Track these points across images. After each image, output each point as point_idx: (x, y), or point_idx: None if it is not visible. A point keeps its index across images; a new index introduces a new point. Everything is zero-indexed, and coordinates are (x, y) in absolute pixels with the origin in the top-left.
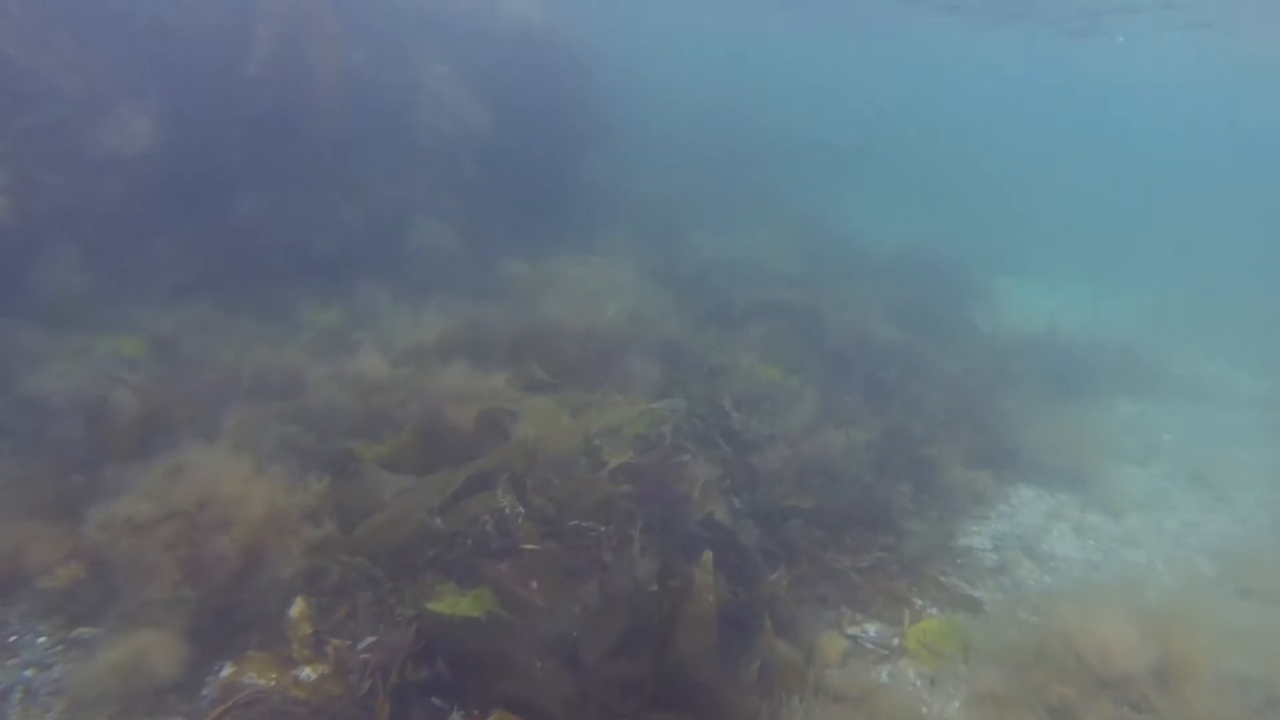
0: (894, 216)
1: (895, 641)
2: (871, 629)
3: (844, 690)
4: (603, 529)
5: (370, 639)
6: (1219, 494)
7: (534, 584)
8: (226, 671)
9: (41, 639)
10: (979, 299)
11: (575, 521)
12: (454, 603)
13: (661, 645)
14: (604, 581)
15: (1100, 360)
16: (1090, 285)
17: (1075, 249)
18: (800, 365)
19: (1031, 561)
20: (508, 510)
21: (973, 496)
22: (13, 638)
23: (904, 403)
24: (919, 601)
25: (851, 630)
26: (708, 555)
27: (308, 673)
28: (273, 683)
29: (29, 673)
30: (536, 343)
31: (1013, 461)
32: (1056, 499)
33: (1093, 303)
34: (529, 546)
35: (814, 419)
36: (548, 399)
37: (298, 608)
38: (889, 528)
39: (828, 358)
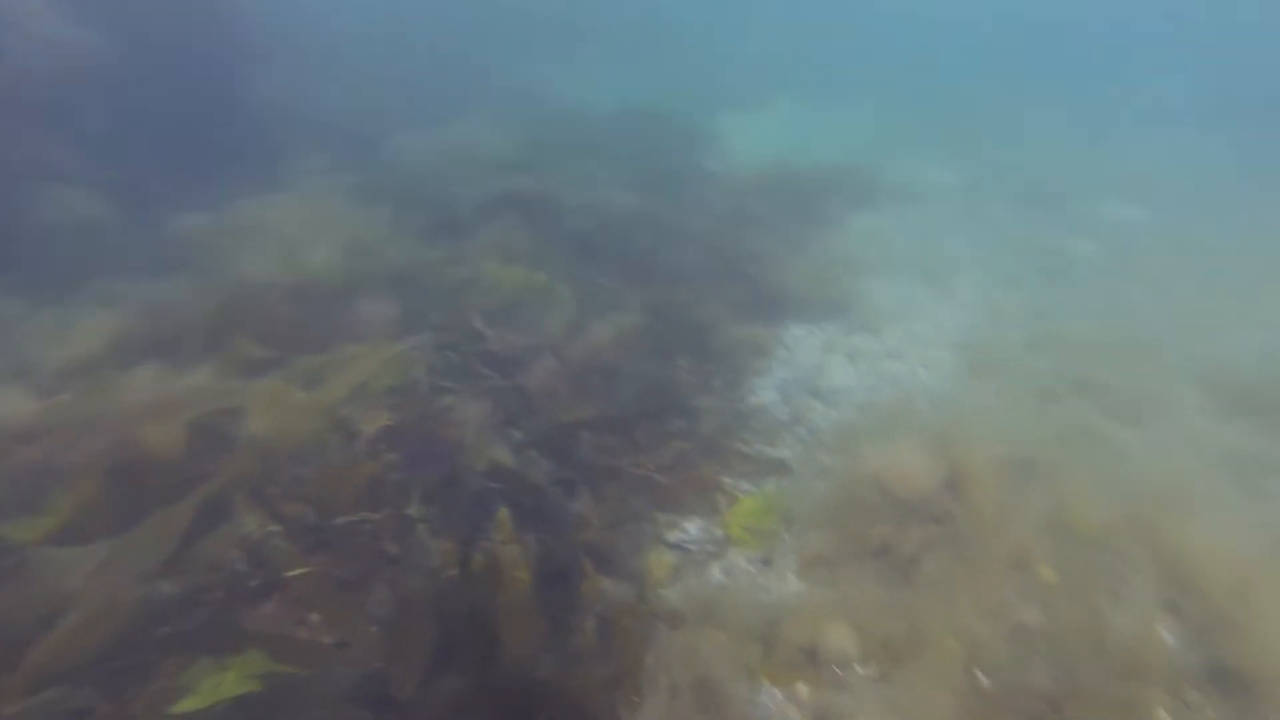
0: (609, 80)
1: (719, 533)
2: (692, 528)
3: (684, 610)
4: (376, 516)
5: None
6: (946, 288)
7: (313, 617)
8: None
9: None
10: (707, 144)
11: (343, 519)
12: (214, 686)
13: (486, 646)
14: (394, 583)
15: (830, 183)
16: (805, 110)
17: (786, 76)
18: (545, 258)
19: (819, 401)
20: (257, 535)
21: (751, 350)
22: None
23: (661, 273)
24: (729, 481)
25: (673, 537)
26: (503, 513)
27: None
28: None
29: None
30: (241, 313)
31: (780, 305)
32: (825, 331)
33: (809, 127)
34: (295, 572)
35: (575, 315)
36: (272, 379)
37: None
38: (679, 411)
39: (572, 243)
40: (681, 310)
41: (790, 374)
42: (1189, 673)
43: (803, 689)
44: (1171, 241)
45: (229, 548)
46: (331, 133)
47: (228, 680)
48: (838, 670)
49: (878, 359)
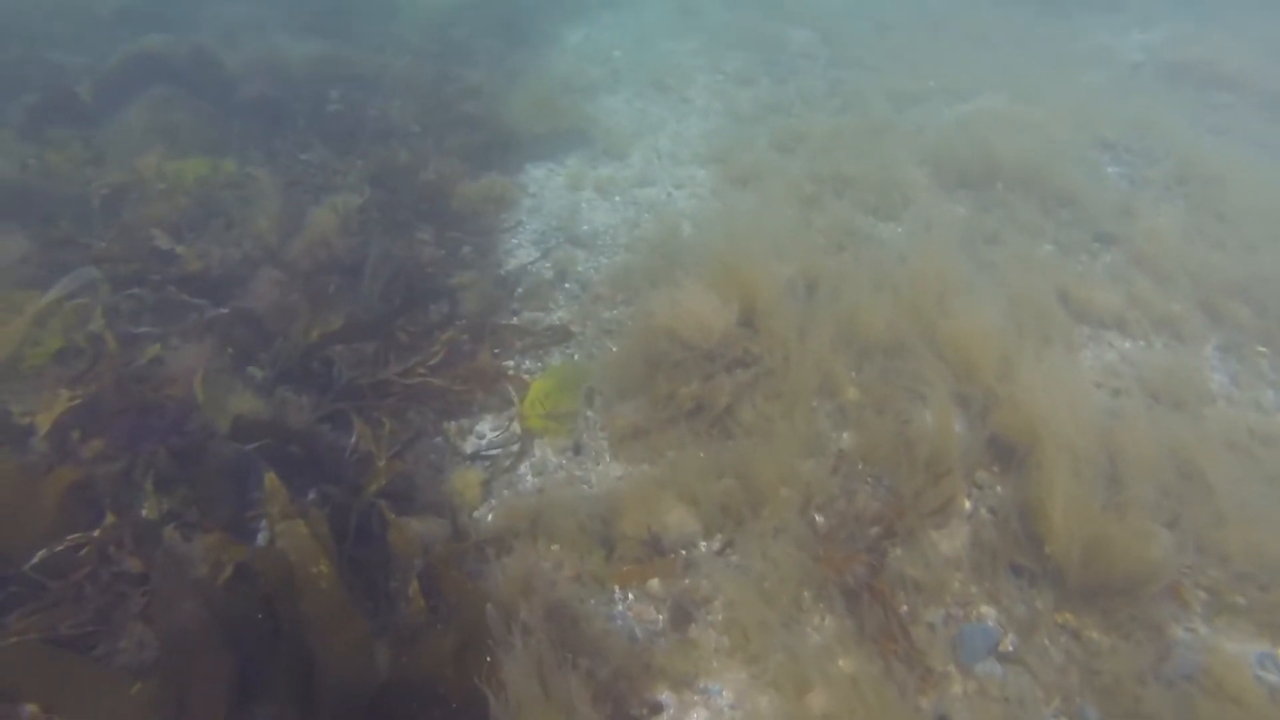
0: None
1: (518, 428)
2: (488, 430)
3: (508, 531)
4: (95, 533)
5: None
6: (681, 97)
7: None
8: None
9: None
10: None
11: (40, 554)
12: None
13: (301, 665)
14: (151, 613)
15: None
16: None
17: None
18: (226, 140)
19: (581, 250)
20: None
21: (495, 205)
22: None
23: (371, 133)
24: (511, 364)
25: (470, 446)
26: (270, 479)
27: None
28: None
29: None
30: None
31: (513, 146)
32: (567, 167)
33: None
34: None
35: (283, 207)
36: None
37: None
38: (434, 294)
39: (255, 114)
40: (406, 174)
41: (543, 223)
42: (977, 456)
43: (655, 584)
44: (869, 21)
45: None
46: None
47: None
48: (684, 553)
49: (629, 187)
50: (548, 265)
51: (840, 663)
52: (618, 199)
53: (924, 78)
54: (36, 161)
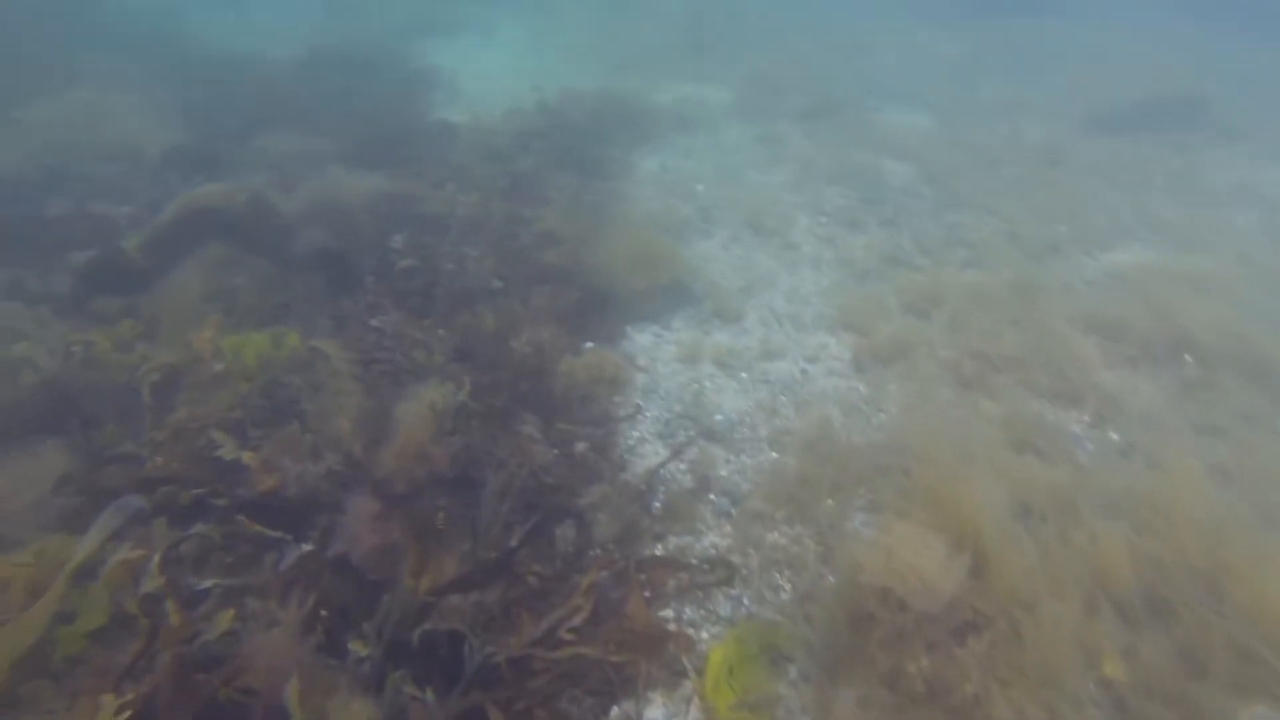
0: (263, 15)
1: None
2: (659, 717)
3: None
4: None
5: None
6: (783, 241)
7: None
8: None
9: None
10: (430, 86)
11: None
12: None
13: None
14: None
15: (597, 119)
16: (523, 26)
17: None
18: (286, 303)
19: (717, 445)
20: None
21: (605, 385)
22: None
23: (450, 291)
24: (670, 614)
25: None
26: None
27: None
28: None
29: None
30: None
31: (610, 304)
32: (676, 332)
33: (538, 49)
34: None
35: (364, 402)
36: None
37: None
38: (559, 512)
39: (315, 267)
40: (495, 343)
41: (664, 408)
42: None
43: None
44: (968, 152)
45: None
46: None
47: None
48: None
49: (755, 360)
50: (683, 468)
51: None
52: (744, 376)
53: (1051, 221)
54: (80, 349)
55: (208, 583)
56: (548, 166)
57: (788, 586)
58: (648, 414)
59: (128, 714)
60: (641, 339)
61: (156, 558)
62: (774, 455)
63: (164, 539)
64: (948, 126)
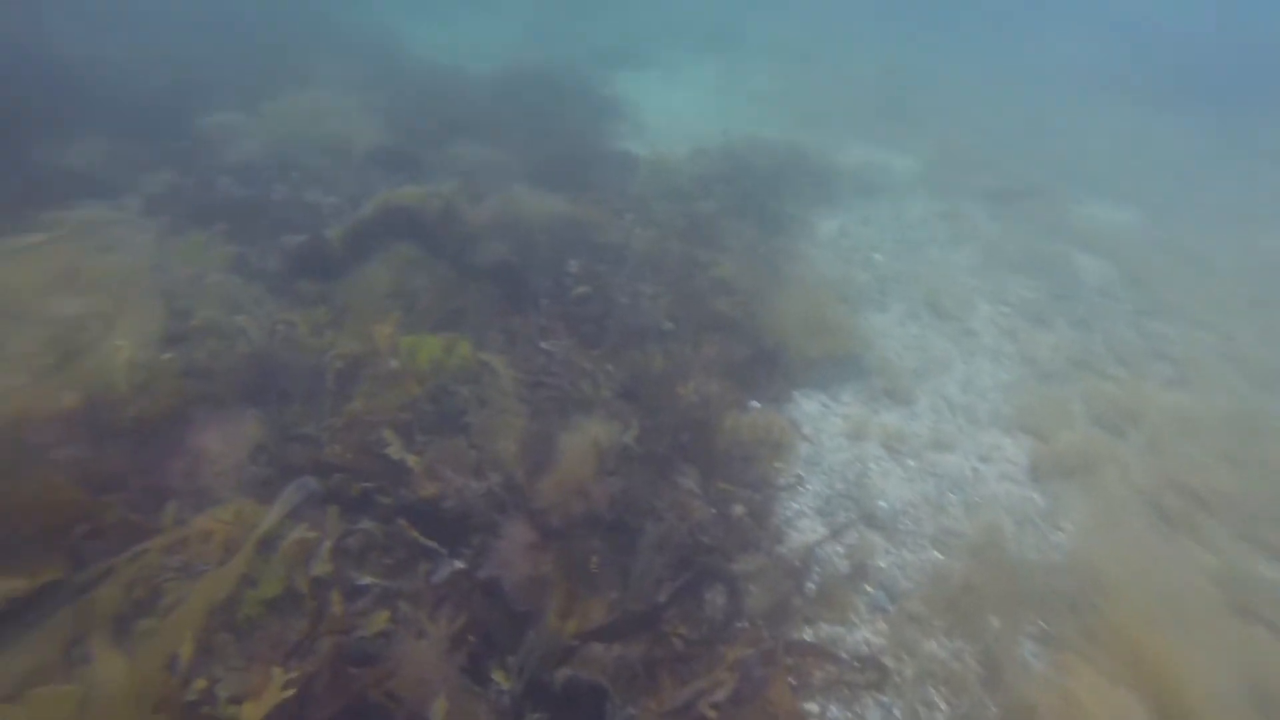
0: (471, 32)
1: None
2: None
3: None
4: None
5: None
6: (961, 325)
7: None
8: None
9: None
10: (616, 115)
11: None
12: None
13: None
14: None
15: (777, 171)
16: (714, 68)
17: (684, 25)
18: (461, 311)
19: (878, 533)
20: None
21: (766, 447)
22: None
23: (618, 323)
24: (814, 709)
25: None
26: None
27: None
28: None
29: None
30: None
31: (777, 365)
32: (844, 404)
33: (726, 91)
34: None
35: (529, 426)
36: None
37: None
38: (710, 576)
39: (489, 281)
40: (662, 387)
41: (825, 484)
42: None
43: None
44: (1181, 257)
45: None
46: (120, 109)
47: None
48: None
49: (923, 449)
50: (840, 551)
51: None
52: (912, 464)
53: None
54: (284, 328)
55: (367, 579)
56: (726, 213)
57: (944, 706)
58: (808, 487)
59: (292, 691)
60: (808, 406)
61: (328, 544)
62: (937, 556)
63: (335, 527)
64: (1159, 225)
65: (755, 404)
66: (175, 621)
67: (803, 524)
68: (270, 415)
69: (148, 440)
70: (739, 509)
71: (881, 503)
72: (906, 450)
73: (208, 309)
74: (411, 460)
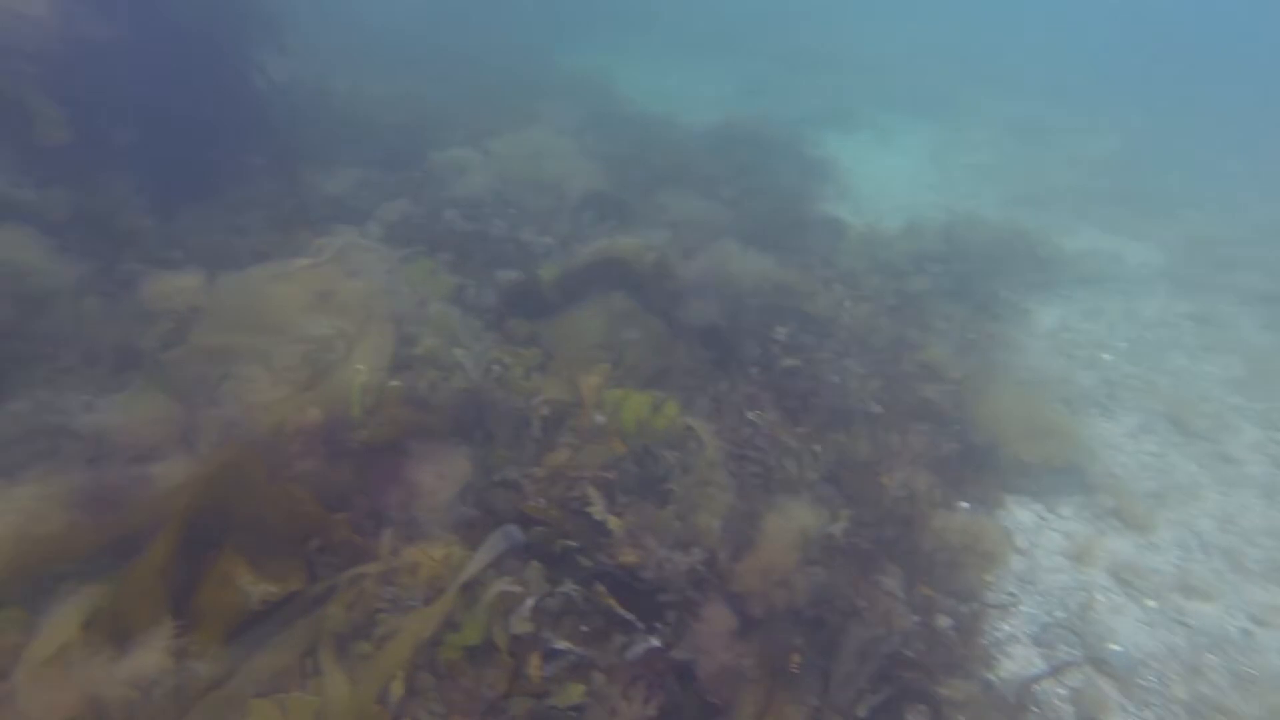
0: (683, 80)
1: None
2: None
3: None
4: None
5: None
6: (1216, 448)
7: None
8: None
9: None
10: (824, 178)
11: None
12: None
13: None
14: None
15: (992, 251)
16: (925, 134)
17: (901, 86)
18: (666, 367)
19: (1111, 684)
20: None
21: (975, 555)
22: None
23: (823, 400)
24: None
25: None
26: None
27: None
28: None
29: None
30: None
31: (987, 464)
32: (1063, 519)
33: (940, 160)
34: None
35: (734, 503)
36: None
37: None
38: (914, 697)
39: (696, 339)
40: (867, 476)
41: (1042, 609)
42: None
43: None
44: None
45: None
46: (361, 139)
47: None
48: None
49: (1167, 590)
50: (1062, 693)
51: None
52: (1152, 605)
53: None
54: (499, 368)
55: (563, 644)
56: (939, 293)
57: None
58: (1022, 608)
59: None
60: (1022, 515)
61: (530, 603)
62: None
63: (537, 584)
64: None
65: (964, 505)
66: (388, 654)
67: (1015, 651)
68: (477, 455)
69: (371, 463)
70: (944, 620)
71: (1114, 646)
72: (1145, 587)
73: (430, 338)
74: (613, 523)
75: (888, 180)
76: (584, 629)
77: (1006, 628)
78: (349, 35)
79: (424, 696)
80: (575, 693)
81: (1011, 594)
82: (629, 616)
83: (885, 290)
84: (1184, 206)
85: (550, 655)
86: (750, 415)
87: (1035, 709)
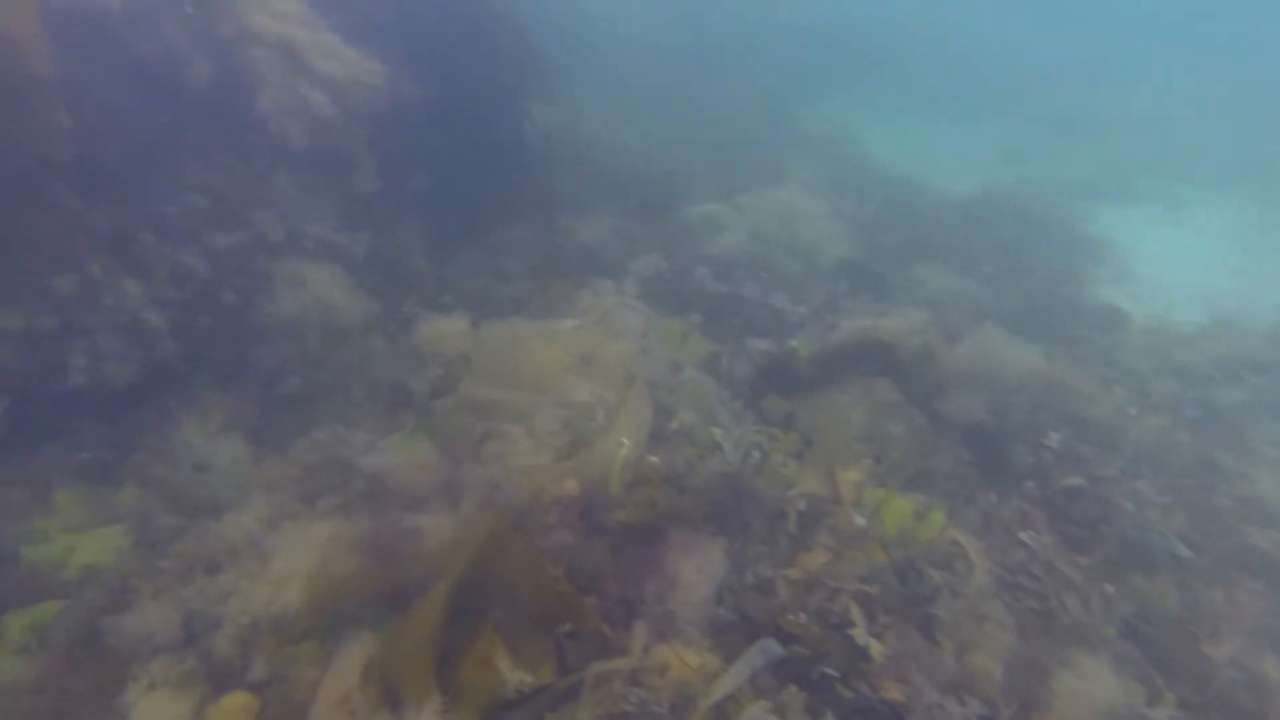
0: (931, 137)
1: None
2: None
3: None
4: None
5: None
6: None
7: None
8: None
9: None
10: (1095, 259)
11: None
12: None
13: None
14: None
15: None
16: (1225, 208)
17: (1182, 155)
18: (932, 469)
19: None
20: None
21: None
22: None
23: (1120, 536)
24: None
25: None
26: None
27: None
28: None
29: None
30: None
31: None
32: None
33: (1243, 241)
34: None
35: (1014, 636)
36: None
37: None
38: None
39: (965, 442)
40: (1182, 640)
41: None
42: None
43: None
44: None
45: None
46: (617, 189)
47: None
48: None
49: None
50: None
51: None
52: None
53: None
54: (758, 454)
55: None
56: (1260, 410)
57: None
58: None
59: None
60: None
61: None
62: None
63: (794, 712)
64: None
65: None
66: None
67: None
68: (732, 548)
69: (626, 547)
70: None
71: None
72: None
73: (686, 410)
74: (875, 648)
75: (1178, 263)
76: None
77: None
78: (602, 83)
79: None
80: None
81: None
82: None
83: (1184, 400)
84: None
85: None
86: (1023, 536)
87: None
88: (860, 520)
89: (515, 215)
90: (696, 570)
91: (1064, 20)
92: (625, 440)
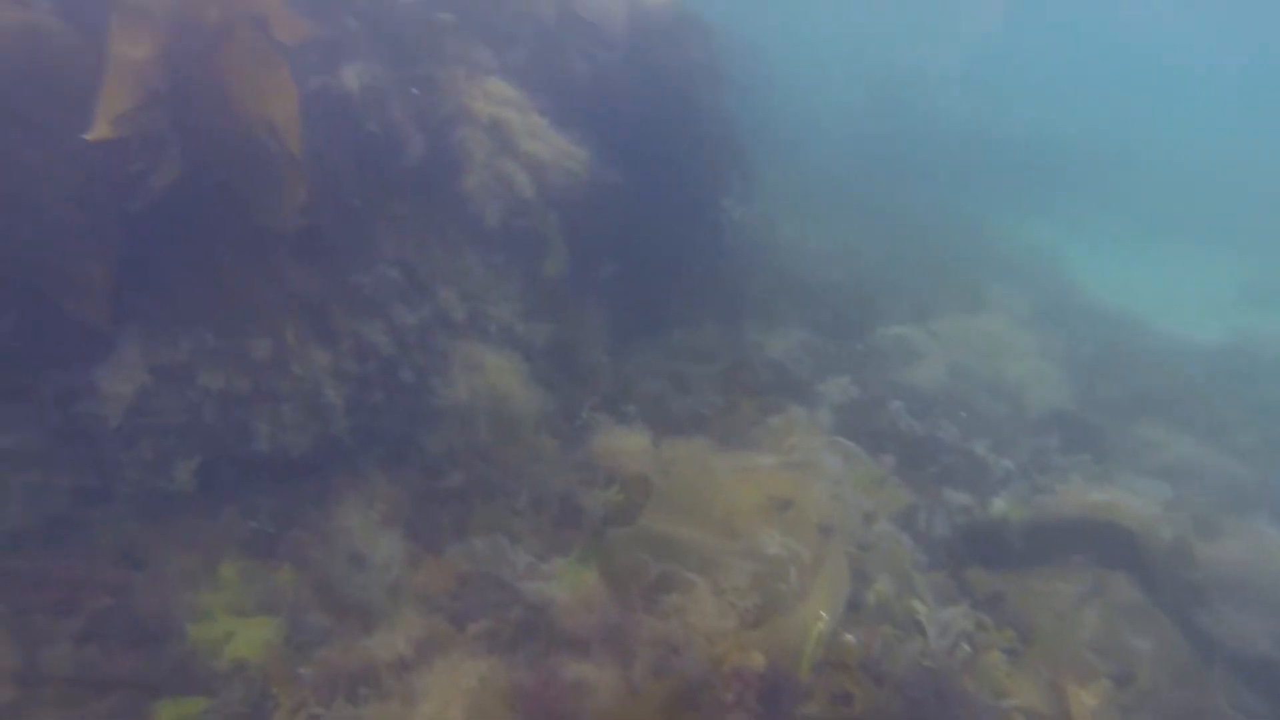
0: (1143, 265)
1: None
2: None
3: None
4: None
5: None
6: None
7: None
8: None
9: None
10: None
11: None
12: None
13: None
14: None
15: None
16: None
17: None
18: (1197, 714)
19: None
20: None
21: None
22: None
23: None
24: None
25: None
26: None
27: None
28: None
29: None
30: None
31: None
32: None
33: None
34: None
35: None
36: None
37: None
38: None
39: (1241, 677)
40: None
41: None
42: None
43: None
44: None
45: None
46: (805, 299)
47: None
48: None
49: None
50: None
51: None
52: None
53: None
54: (967, 648)
55: None
56: None
57: None
58: None
59: None
60: None
61: None
62: None
63: None
64: None
65: None
66: None
67: None
68: None
69: None
70: None
71: None
72: None
73: (881, 576)
74: None
75: None
76: None
77: None
78: (793, 176)
79: None
80: None
81: None
82: None
83: None
84: None
85: None
86: None
87: None
88: None
89: (701, 316)
90: None
91: None
92: (824, 614)
